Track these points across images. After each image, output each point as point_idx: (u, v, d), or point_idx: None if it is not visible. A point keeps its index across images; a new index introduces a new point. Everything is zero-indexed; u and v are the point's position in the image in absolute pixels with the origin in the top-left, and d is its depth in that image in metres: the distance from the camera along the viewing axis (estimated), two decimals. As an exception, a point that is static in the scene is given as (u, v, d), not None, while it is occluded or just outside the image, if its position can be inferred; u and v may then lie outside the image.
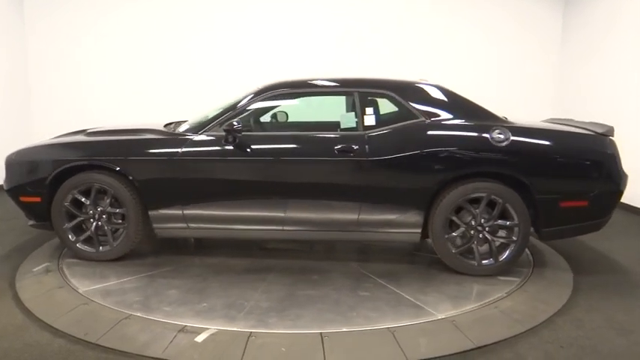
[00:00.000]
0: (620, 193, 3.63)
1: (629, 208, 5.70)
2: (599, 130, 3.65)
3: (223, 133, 3.66)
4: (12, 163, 3.97)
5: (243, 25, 7.22)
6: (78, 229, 3.90)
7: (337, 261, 4.02)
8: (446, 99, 3.76)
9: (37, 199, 3.85)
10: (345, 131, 3.71)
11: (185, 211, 3.75)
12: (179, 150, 3.69)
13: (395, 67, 6.80)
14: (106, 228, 3.84)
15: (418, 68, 5.84)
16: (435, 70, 6.25)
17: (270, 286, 3.49)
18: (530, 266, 3.88)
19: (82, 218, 3.87)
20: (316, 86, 3.98)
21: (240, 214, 3.75)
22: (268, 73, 5.59)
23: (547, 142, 3.62)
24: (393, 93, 3.75)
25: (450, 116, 3.68)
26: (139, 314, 3.02)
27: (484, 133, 3.55)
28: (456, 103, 3.75)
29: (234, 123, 3.58)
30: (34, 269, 3.75)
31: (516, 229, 3.57)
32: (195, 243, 4.53)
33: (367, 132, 3.63)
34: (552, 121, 4.26)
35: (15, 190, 3.94)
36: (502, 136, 3.52)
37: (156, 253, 4.23)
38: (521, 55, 7.20)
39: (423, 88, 3.85)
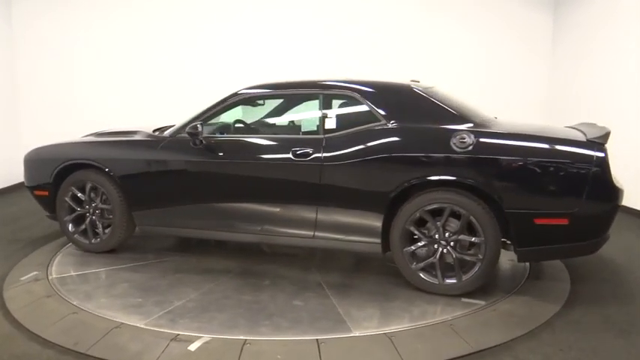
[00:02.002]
0: (613, 209, 3.16)
1: (625, 209, 5.69)
2: (590, 135, 3.17)
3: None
4: (28, 161, 4.43)
5: (239, 27, 7.18)
6: (80, 222, 4.20)
7: (300, 269, 3.88)
8: (415, 102, 3.51)
9: (46, 193, 4.27)
10: (307, 134, 3.66)
11: (161, 211, 3.96)
12: (153, 151, 3.90)
13: (385, 69, 6.77)
14: (97, 222, 4.13)
15: (409, 70, 5.79)
16: (427, 71, 6.20)
17: (215, 288, 3.50)
18: (524, 273, 3.81)
19: (79, 212, 4.17)
20: (281, 89, 3.91)
21: (204, 215, 3.82)
22: (267, 75, 5.53)
23: (519, 149, 3.18)
24: (357, 94, 3.56)
25: (417, 119, 3.43)
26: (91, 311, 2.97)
27: (446, 137, 3.24)
28: (426, 106, 3.47)
29: (198, 126, 3.65)
30: (22, 278, 3.67)
31: (483, 246, 3.20)
32: (193, 243, 4.51)
33: (326, 135, 3.53)
34: (580, 126, 3.63)
35: (31, 186, 4.40)
36: (466, 141, 3.19)
37: (152, 249, 4.36)
38: (513, 56, 7.20)
39: (391, 90, 3.65)
